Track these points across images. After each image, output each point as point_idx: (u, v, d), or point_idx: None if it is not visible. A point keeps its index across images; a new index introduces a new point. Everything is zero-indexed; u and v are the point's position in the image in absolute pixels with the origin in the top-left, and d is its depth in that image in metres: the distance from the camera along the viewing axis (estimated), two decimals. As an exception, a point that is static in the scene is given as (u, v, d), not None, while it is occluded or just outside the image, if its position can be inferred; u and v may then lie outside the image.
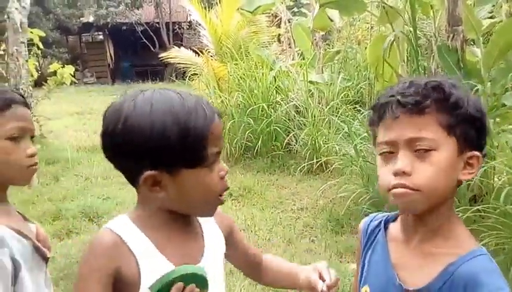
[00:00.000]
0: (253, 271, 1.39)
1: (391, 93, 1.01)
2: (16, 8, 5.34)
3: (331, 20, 6.06)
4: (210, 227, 1.18)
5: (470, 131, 1.00)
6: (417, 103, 0.97)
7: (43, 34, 7.30)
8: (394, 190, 0.98)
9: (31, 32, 6.54)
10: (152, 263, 1.04)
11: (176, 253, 1.07)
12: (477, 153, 1.02)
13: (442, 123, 0.98)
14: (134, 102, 1.03)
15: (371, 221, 1.21)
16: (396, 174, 0.98)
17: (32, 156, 1.34)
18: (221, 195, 1.10)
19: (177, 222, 1.10)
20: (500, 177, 3.44)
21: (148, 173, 1.02)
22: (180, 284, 0.99)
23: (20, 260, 1.27)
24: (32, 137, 1.37)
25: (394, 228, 1.15)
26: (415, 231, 1.07)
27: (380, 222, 1.19)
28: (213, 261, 1.14)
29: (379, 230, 1.17)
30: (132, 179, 1.06)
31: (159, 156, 1.01)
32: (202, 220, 1.17)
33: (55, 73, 7.25)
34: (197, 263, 1.09)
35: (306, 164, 5.60)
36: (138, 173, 1.03)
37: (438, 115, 0.97)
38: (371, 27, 7.79)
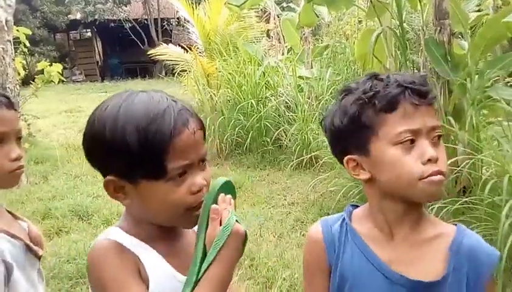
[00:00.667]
0: None
1: (398, 83, 1.01)
2: (1, 6, 5.27)
3: (318, 16, 6.05)
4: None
5: None
6: (431, 93, 1.02)
7: (30, 32, 7.22)
8: (433, 178, 0.98)
9: (17, 30, 6.47)
10: (155, 266, 1.00)
11: (177, 261, 1.03)
12: None
13: (436, 113, 1.04)
14: (107, 104, 1.00)
15: (331, 226, 1.13)
16: (430, 161, 0.98)
17: (16, 159, 1.30)
18: (192, 209, 0.99)
19: (166, 228, 1.05)
20: (487, 169, 3.47)
21: (109, 178, 0.99)
22: (222, 195, 0.99)
23: (12, 261, 1.27)
24: (19, 137, 1.35)
25: (360, 226, 1.11)
26: (399, 223, 1.05)
27: (341, 224, 1.12)
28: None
29: (346, 232, 1.11)
30: None
31: (119, 163, 0.97)
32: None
33: (42, 71, 7.18)
34: None
35: (296, 159, 5.61)
36: (105, 176, 1.00)
37: (435, 106, 1.04)
38: (360, 22, 7.79)
